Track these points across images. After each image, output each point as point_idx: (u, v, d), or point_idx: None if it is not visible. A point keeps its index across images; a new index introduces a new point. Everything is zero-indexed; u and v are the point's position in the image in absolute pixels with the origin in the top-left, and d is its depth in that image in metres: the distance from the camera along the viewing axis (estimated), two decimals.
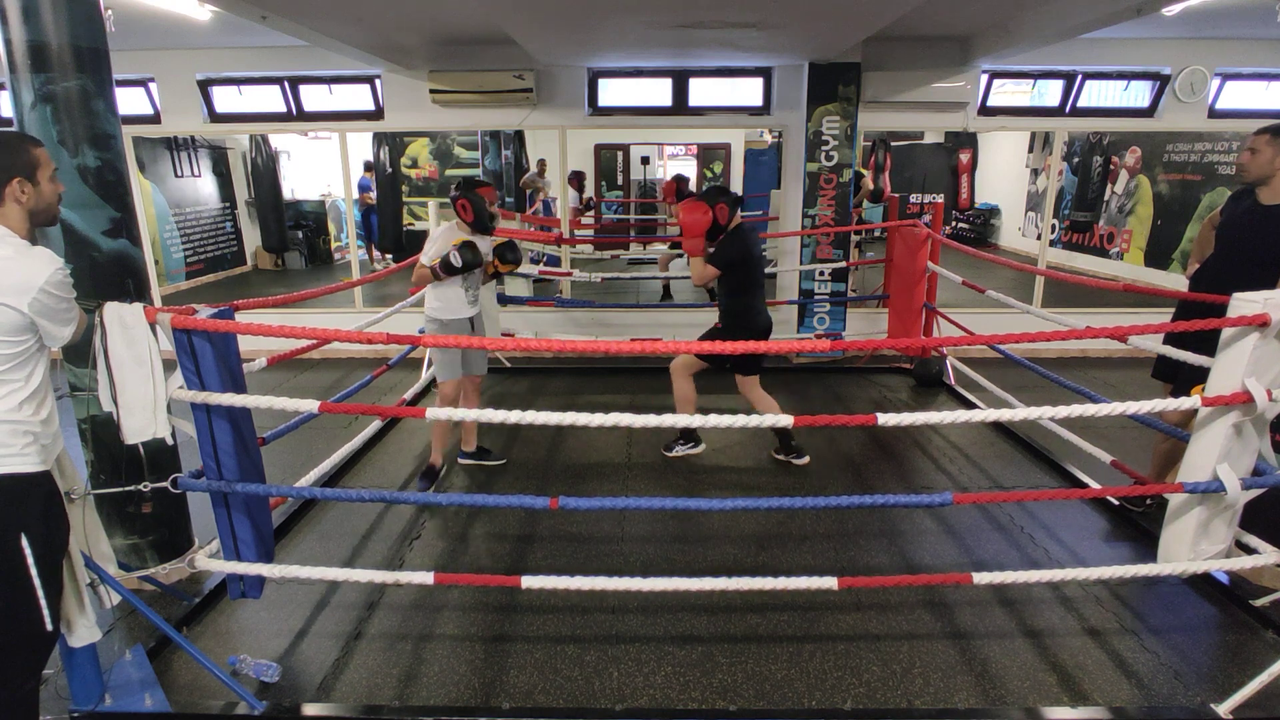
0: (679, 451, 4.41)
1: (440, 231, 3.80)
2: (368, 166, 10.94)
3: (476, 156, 11.47)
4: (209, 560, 2.47)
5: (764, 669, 2.58)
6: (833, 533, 3.52)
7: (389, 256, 11.13)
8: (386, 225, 11.13)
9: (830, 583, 2.37)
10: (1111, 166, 10.12)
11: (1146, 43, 6.03)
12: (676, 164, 13.67)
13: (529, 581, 2.37)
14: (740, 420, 2.27)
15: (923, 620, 2.85)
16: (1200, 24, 5.46)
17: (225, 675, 2.32)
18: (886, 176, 12.50)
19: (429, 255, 3.72)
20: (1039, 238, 7.71)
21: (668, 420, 2.28)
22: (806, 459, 4.32)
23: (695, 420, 2.25)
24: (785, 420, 2.26)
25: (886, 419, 2.19)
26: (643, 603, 2.93)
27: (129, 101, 6.27)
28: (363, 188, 10.86)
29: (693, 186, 12.73)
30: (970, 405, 5.15)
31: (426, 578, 2.40)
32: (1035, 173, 11.61)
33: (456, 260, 3.59)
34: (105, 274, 2.73)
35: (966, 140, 13.05)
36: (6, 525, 1.81)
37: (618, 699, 2.44)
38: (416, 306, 4.99)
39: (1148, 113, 6.31)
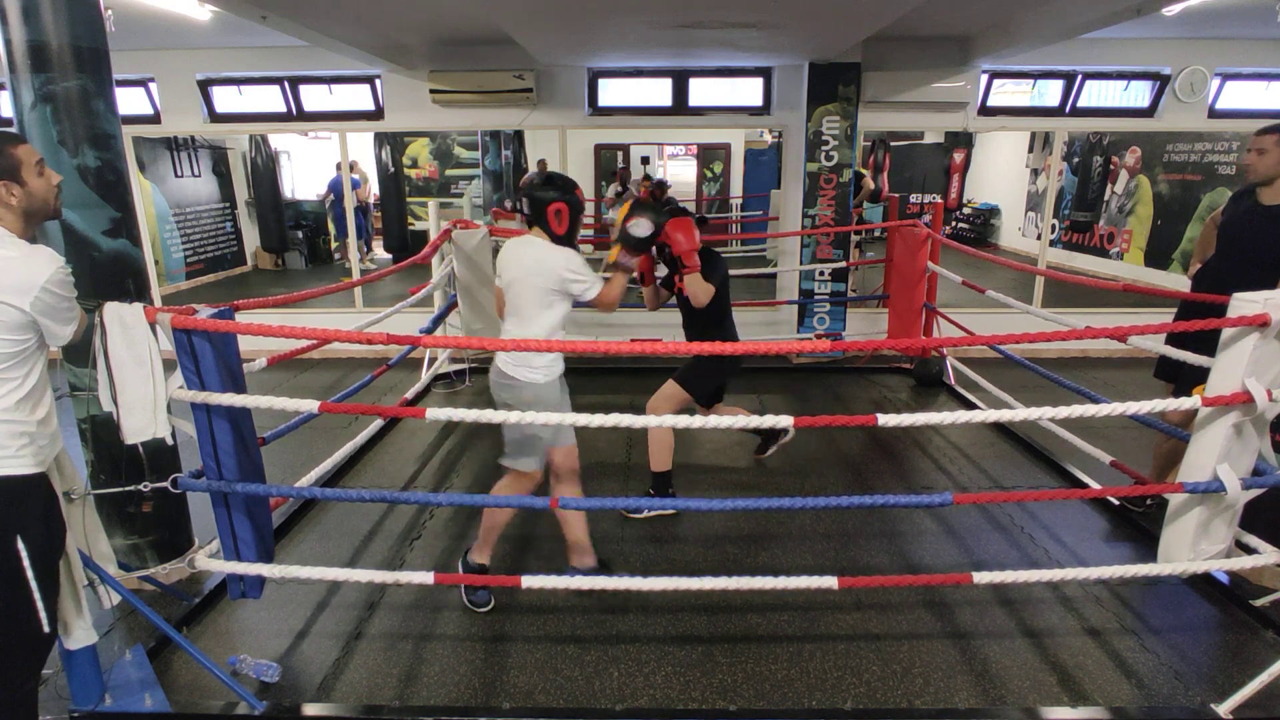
0: (649, 513, 3.68)
1: (569, 256, 2.68)
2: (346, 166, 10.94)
3: (476, 156, 11.47)
4: (209, 560, 2.47)
5: (764, 669, 2.58)
6: (833, 533, 3.52)
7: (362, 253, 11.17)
8: (390, 225, 11.14)
9: (830, 582, 2.36)
10: (1111, 166, 10.12)
11: (1146, 43, 6.04)
12: (676, 164, 13.68)
13: (529, 581, 2.37)
14: (741, 420, 2.27)
15: (923, 620, 2.85)
16: (1200, 24, 5.46)
17: (225, 675, 2.32)
18: (885, 176, 12.51)
19: (591, 279, 2.67)
20: (1039, 238, 7.71)
21: (668, 420, 2.28)
22: (791, 434, 4.24)
23: (682, 421, 2.24)
24: (762, 421, 2.24)
25: (886, 419, 2.19)
26: (643, 603, 2.93)
27: (129, 101, 6.27)
28: (352, 185, 10.88)
29: (691, 189, 12.76)
30: (970, 405, 5.15)
31: (427, 578, 2.40)
32: (1035, 173, 11.61)
33: (645, 230, 2.74)
34: (105, 274, 2.73)
35: (962, 140, 13.05)
36: (2, 528, 1.81)
37: (618, 699, 2.44)
38: (417, 307, 5.00)
39: (1148, 113, 6.31)
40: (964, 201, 13.36)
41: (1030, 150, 11.63)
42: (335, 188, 10.86)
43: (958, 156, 13.27)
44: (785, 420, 2.23)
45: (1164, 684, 2.50)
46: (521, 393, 2.70)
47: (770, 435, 4.32)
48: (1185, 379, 3.08)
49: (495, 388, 2.79)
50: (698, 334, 3.68)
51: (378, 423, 4.59)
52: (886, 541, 3.44)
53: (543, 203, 2.68)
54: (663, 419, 2.26)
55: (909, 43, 5.88)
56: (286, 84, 6.35)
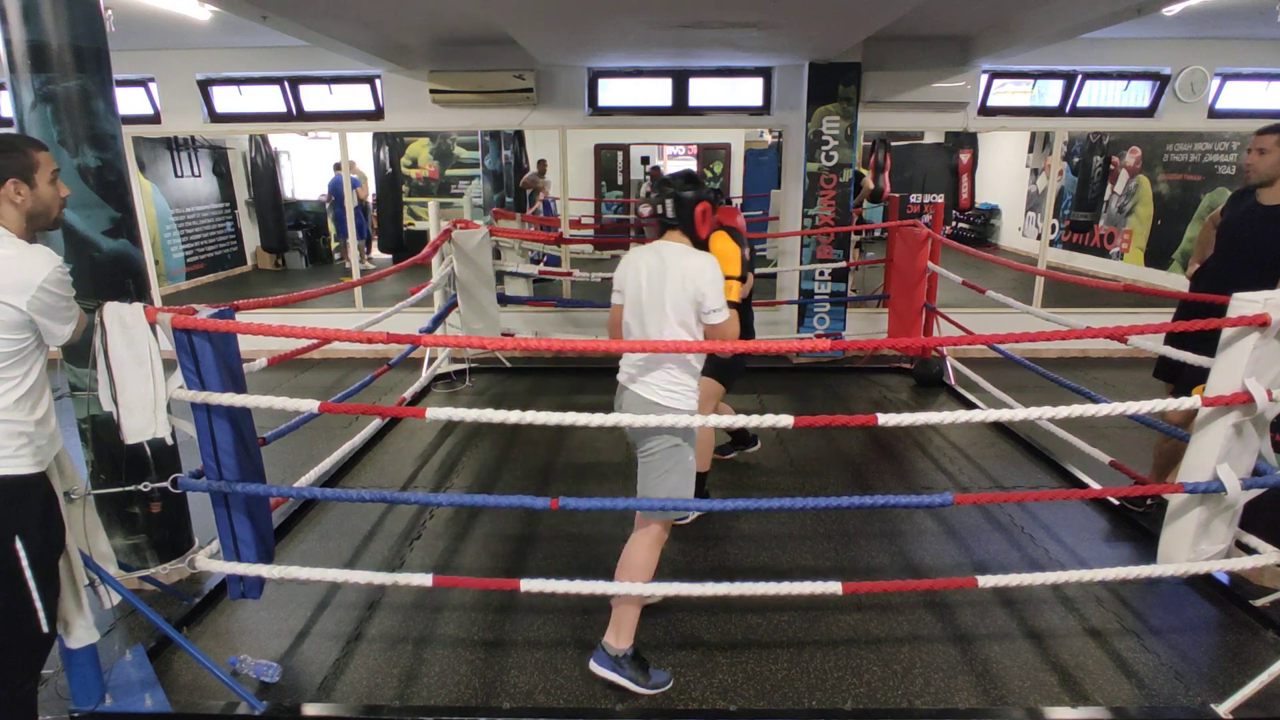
0: (694, 516, 3.59)
1: (715, 263, 2.38)
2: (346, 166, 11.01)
3: (476, 156, 11.48)
4: (209, 560, 2.47)
5: (764, 669, 2.58)
6: (833, 533, 3.51)
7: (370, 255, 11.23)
8: (386, 225, 11.15)
9: (834, 588, 2.31)
10: (1111, 166, 10.12)
11: (1146, 43, 6.03)
12: (676, 164, 13.65)
13: (528, 585, 2.36)
14: (741, 420, 2.27)
15: (923, 620, 2.85)
16: (1200, 24, 5.46)
17: (225, 675, 2.32)
18: (886, 176, 12.51)
19: (722, 300, 2.36)
20: (1039, 238, 7.71)
21: (668, 420, 2.27)
22: (758, 446, 4.41)
23: (683, 421, 2.24)
24: (785, 420, 2.25)
25: (886, 419, 2.19)
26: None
27: (129, 101, 6.26)
28: (351, 185, 10.93)
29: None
30: (970, 405, 5.15)
31: (425, 580, 2.40)
32: (1035, 173, 11.61)
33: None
34: (105, 274, 2.73)
35: (966, 140, 13.05)
36: (1, 528, 1.81)
37: (618, 699, 2.44)
38: (417, 307, 5.00)
39: (1148, 113, 6.31)
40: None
41: (1030, 150, 11.63)
42: (335, 188, 10.88)
43: (964, 157, 13.26)
44: (786, 420, 2.23)
45: (1164, 684, 2.50)
46: (679, 417, 2.30)
47: (740, 438, 4.35)
48: (1185, 379, 3.08)
49: (638, 414, 2.30)
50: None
51: (378, 423, 4.59)
52: (887, 541, 3.44)
53: (692, 203, 2.40)
54: (707, 419, 2.28)
55: (909, 43, 5.88)
56: (286, 84, 6.35)
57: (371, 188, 11.46)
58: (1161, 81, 6.17)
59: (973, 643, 2.71)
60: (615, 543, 3.43)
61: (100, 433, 2.81)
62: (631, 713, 2.38)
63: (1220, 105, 6.25)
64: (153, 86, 6.42)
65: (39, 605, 1.86)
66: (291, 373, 6.17)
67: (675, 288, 2.33)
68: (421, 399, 5.42)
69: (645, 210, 2.45)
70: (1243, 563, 2.41)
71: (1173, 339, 3.06)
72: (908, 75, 5.98)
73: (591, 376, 6.09)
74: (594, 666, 2.48)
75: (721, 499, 3.01)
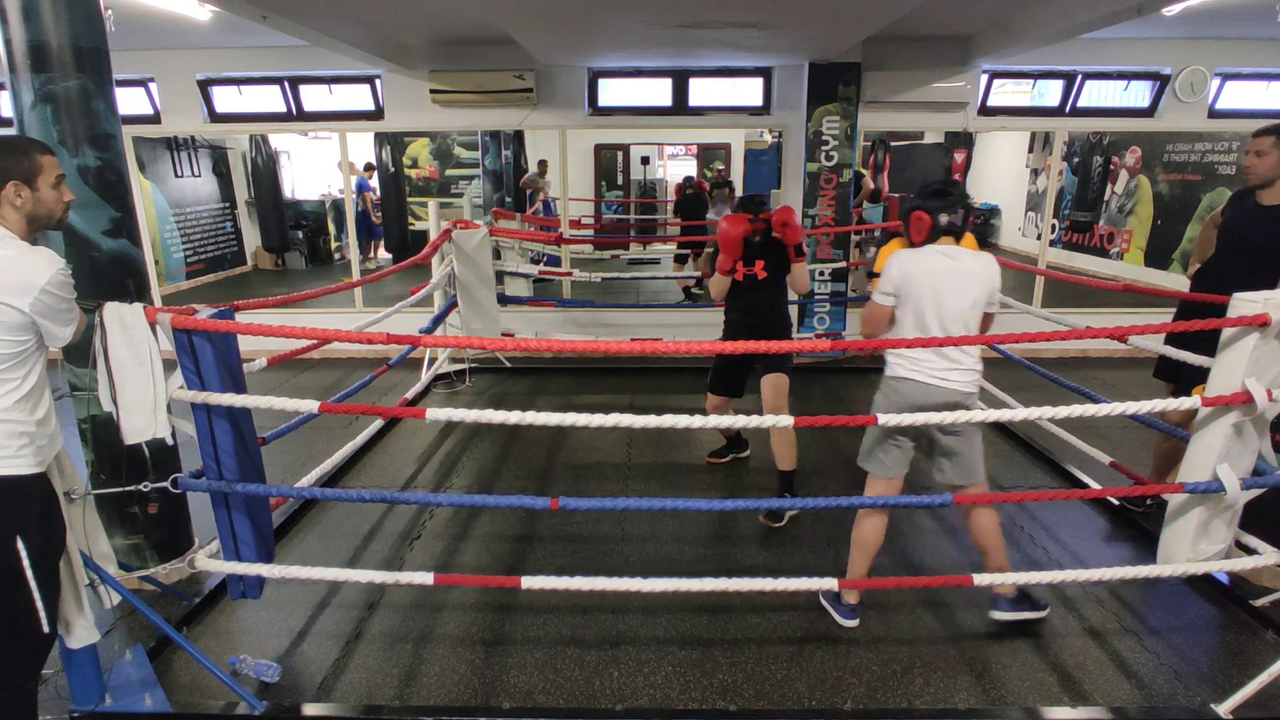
0: (791, 513, 3.69)
1: (994, 261, 2.64)
2: (368, 167, 11.06)
3: (476, 156, 11.48)
4: (209, 560, 2.47)
5: (764, 669, 2.58)
6: (833, 533, 3.51)
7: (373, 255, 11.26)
8: (390, 225, 11.17)
9: (830, 584, 2.37)
10: (1111, 166, 10.12)
11: (1146, 43, 6.03)
12: (676, 164, 13.67)
13: (529, 582, 2.36)
14: (742, 420, 2.27)
15: (922, 620, 2.85)
16: (1200, 24, 5.46)
17: (225, 675, 2.32)
18: (885, 176, 12.52)
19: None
20: (1039, 238, 7.71)
21: (668, 421, 2.27)
22: (748, 453, 4.42)
23: (683, 422, 2.24)
24: (786, 420, 2.25)
25: (886, 419, 2.20)
26: (643, 603, 2.93)
27: (129, 101, 6.26)
28: (365, 188, 10.98)
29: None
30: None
31: (426, 578, 2.40)
32: (1035, 173, 11.61)
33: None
34: (105, 274, 2.73)
35: (963, 140, 13.05)
36: (2, 528, 1.81)
37: (618, 699, 2.44)
38: (417, 307, 5.00)
39: (1148, 113, 6.31)
40: None
41: (1030, 150, 11.63)
42: (361, 188, 10.99)
43: (958, 157, 13.27)
44: (785, 420, 2.23)
45: (1164, 684, 2.50)
46: (976, 401, 2.60)
47: (735, 443, 4.34)
48: (1185, 379, 3.08)
49: (947, 401, 2.58)
50: (766, 317, 3.67)
51: (378, 423, 4.59)
52: (886, 541, 3.40)
53: (907, 211, 2.60)
54: (781, 419, 2.28)
55: (909, 43, 5.88)
56: (286, 84, 6.35)
57: (375, 189, 11.50)
58: (1161, 81, 6.17)
59: (972, 642, 2.71)
60: (615, 542, 3.45)
61: (100, 433, 2.81)
62: (631, 713, 2.38)
63: (1220, 105, 6.24)
64: (153, 86, 6.41)
65: (40, 605, 1.86)
66: (291, 373, 6.17)
67: (980, 286, 2.56)
68: (421, 399, 5.42)
69: (945, 220, 2.56)
70: (1243, 563, 2.42)
71: (1173, 339, 3.06)
72: (908, 75, 5.98)
73: (591, 376, 6.09)
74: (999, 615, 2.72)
75: (722, 499, 3.02)
